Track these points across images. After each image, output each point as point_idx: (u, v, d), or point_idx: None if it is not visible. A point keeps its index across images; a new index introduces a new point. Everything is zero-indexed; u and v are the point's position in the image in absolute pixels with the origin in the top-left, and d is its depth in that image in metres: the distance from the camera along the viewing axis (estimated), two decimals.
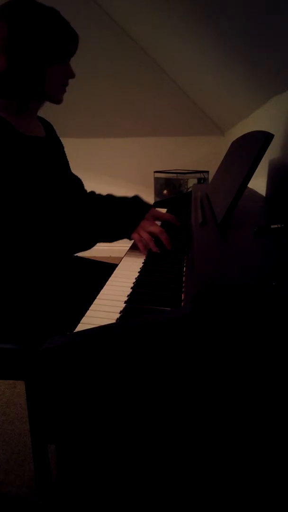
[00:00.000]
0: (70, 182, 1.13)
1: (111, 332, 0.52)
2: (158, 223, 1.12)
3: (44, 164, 1.00)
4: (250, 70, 1.57)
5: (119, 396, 0.54)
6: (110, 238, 1.02)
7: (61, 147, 1.14)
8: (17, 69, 0.89)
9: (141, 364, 0.52)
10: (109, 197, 1.17)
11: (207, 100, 2.71)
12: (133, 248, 1.09)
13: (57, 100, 1.00)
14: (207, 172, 2.82)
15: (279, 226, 0.76)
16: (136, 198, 1.13)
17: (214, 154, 2.91)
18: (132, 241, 1.14)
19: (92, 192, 1.22)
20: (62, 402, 0.55)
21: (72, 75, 0.98)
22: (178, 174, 2.86)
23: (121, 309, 0.69)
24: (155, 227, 1.03)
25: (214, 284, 0.52)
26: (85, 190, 1.20)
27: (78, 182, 1.16)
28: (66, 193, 1.07)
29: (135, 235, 1.03)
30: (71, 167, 1.19)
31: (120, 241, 1.19)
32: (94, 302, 0.73)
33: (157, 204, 1.71)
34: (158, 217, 1.14)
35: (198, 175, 2.81)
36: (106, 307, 0.71)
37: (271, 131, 0.83)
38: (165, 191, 2.97)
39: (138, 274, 0.88)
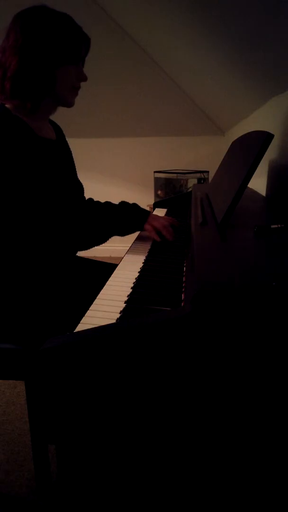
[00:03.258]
0: (75, 187, 1.14)
1: (111, 332, 0.52)
2: None
3: (54, 166, 1.01)
4: (250, 70, 1.57)
5: (119, 396, 0.54)
6: (124, 229, 1.14)
7: (69, 151, 1.15)
8: (28, 70, 0.90)
9: (141, 364, 0.52)
10: (109, 202, 1.19)
11: (207, 100, 2.71)
12: (136, 245, 1.10)
13: (69, 103, 1.01)
14: (207, 172, 2.82)
15: (279, 226, 0.76)
16: (135, 205, 1.16)
17: (214, 154, 2.90)
18: (133, 240, 1.15)
19: (91, 199, 1.23)
20: (62, 402, 0.55)
21: (84, 78, 0.99)
22: (178, 174, 2.86)
23: (121, 309, 0.69)
24: (165, 217, 1.16)
25: (214, 284, 0.52)
26: (84, 197, 1.21)
27: (80, 188, 1.17)
28: (71, 196, 1.08)
29: (147, 226, 1.14)
30: None
31: (120, 241, 1.19)
32: (94, 302, 0.73)
33: (157, 204, 1.71)
34: None
35: (198, 175, 2.81)
36: (106, 307, 0.71)
37: (271, 131, 0.83)
38: (159, 192, 2.97)
39: (138, 274, 0.88)
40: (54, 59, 0.92)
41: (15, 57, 0.89)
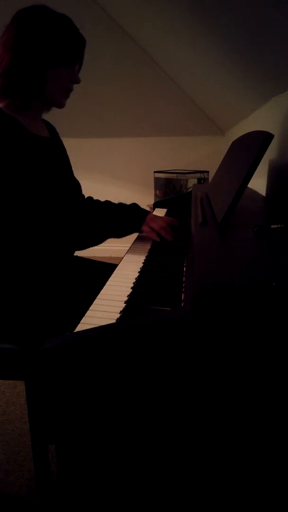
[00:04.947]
0: (71, 184, 1.14)
1: (111, 332, 0.52)
2: None
3: (49, 163, 1.01)
4: (250, 70, 1.57)
5: (119, 396, 0.54)
6: (121, 231, 1.12)
7: (64, 149, 1.15)
8: (19, 67, 0.90)
9: (141, 364, 0.52)
10: (109, 202, 1.19)
11: (207, 100, 2.71)
12: (136, 245, 1.10)
13: (59, 104, 1.00)
14: (207, 172, 2.82)
15: (279, 226, 0.76)
16: (135, 204, 1.16)
17: (214, 154, 2.91)
18: (133, 240, 1.15)
19: (90, 197, 1.23)
20: (62, 402, 0.55)
21: (76, 80, 0.99)
22: (178, 174, 2.86)
23: (121, 309, 0.69)
24: (163, 218, 1.14)
25: (214, 284, 0.52)
26: (83, 195, 1.21)
27: (77, 186, 1.17)
28: (67, 193, 1.08)
29: (144, 228, 1.12)
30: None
31: (120, 241, 1.19)
32: (94, 302, 0.73)
33: (157, 204, 1.71)
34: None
35: (198, 175, 2.81)
36: (106, 307, 0.71)
37: (271, 131, 0.83)
38: (157, 192, 2.96)
39: (138, 274, 0.88)
40: (46, 59, 0.91)
41: (7, 54, 0.90)
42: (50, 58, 0.92)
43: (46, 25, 0.90)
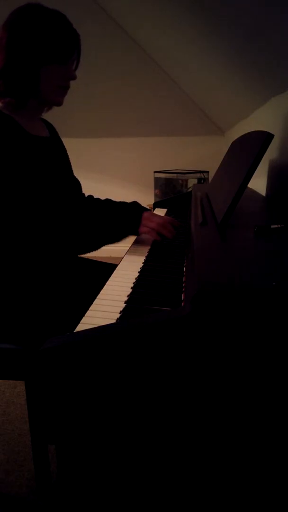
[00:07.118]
0: (71, 183, 1.14)
1: (111, 332, 0.52)
2: None
3: (49, 163, 1.01)
4: (250, 70, 1.57)
5: (119, 396, 0.54)
6: (117, 237, 1.06)
7: (64, 148, 1.15)
8: (13, 67, 0.90)
9: (141, 364, 0.52)
10: (109, 200, 1.18)
11: (207, 100, 2.71)
12: (136, 245, 1.10)
13: (55, 102, 1.00)
14: (207, 172, 2.82)
15: (279, 226, 0.76)
16: (135, 202, 1.15)
17: (214, 154, 2.90)
18: (133, 240, 1.15)
19: (91, 196, 1.22)
20: (62, 402, 0.55)
21: (71, 77, 0.98)
22: (178, 174, 2.86)
23: (121, 309, 0.69)
24: (160, 216, 1.08)
25: (214, 284, 0.52)
26: (83, 194, 1.21)
27: (77, 185, 1.17)
28: (68, 193, 1.08)
29: (142, 229, 1.06)
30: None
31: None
32: (94, 302, 0.73)
33: (157, 204, 1.71)
34: None
35: (198, 175, 2.81)
36: (106, 307, 0.71)
37: (271, 131, 0.83)
38: (156, 191, 2.96)
39: (138, 274, 0.88)
40: (38, 57, 0.91)
41: (1, 54, 0.90)
42: (42, 56, 0.91)
43: (37, 23, 0.90)
